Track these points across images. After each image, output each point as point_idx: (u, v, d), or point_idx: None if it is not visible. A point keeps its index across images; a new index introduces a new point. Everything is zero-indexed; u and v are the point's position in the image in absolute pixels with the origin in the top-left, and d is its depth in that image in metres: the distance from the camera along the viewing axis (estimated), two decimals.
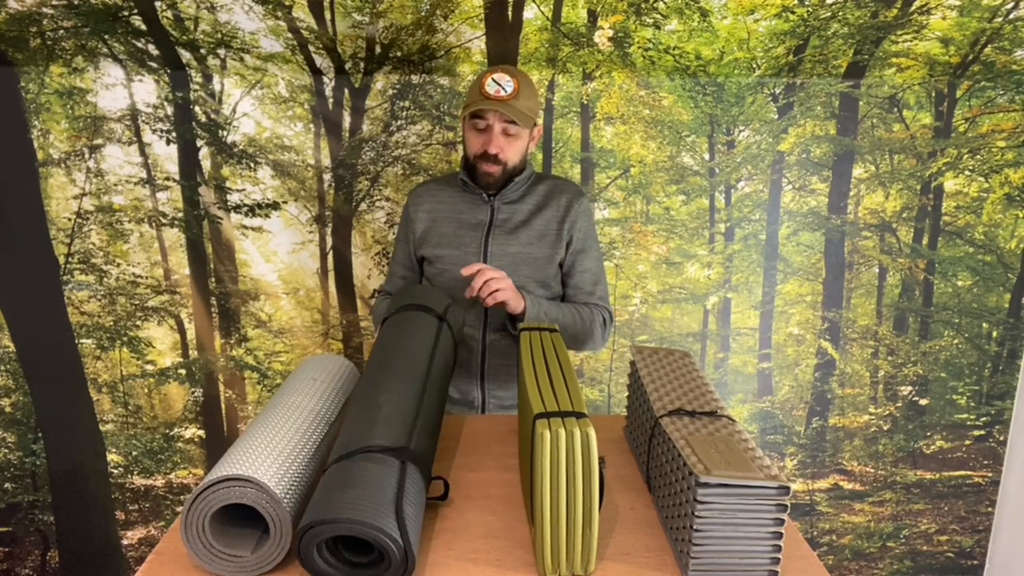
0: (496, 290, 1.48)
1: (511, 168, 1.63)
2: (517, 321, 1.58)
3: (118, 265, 2.24)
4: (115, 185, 2.18)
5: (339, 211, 2.24)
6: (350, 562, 0.90)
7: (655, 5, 2.09)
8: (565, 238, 1.67)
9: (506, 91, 1.54)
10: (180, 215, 2.21)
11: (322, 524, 0.86)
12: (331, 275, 2.29)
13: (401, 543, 0.86)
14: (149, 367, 2.32)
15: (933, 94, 2.20)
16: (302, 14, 2.05)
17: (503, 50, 2.11)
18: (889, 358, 2.41)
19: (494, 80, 1.55)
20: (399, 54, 2.11)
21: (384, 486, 0.90)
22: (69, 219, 2.20)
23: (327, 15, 2.06)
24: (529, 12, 2.08)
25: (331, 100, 2.16)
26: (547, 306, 1.61)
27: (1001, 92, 2.19)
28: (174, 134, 2.15)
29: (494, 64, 2.11)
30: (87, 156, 2.16)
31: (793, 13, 2.10)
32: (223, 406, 2.36)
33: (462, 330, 1.40)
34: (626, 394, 1.37)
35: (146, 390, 2.34)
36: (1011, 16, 2.11)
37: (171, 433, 2.36)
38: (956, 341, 2.40)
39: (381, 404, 1.05)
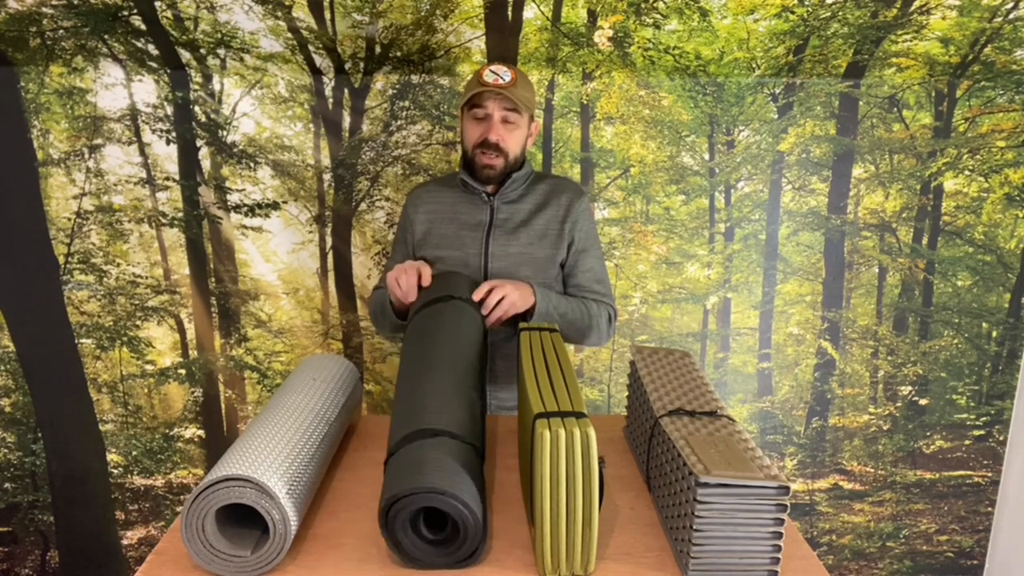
0: (504, 310, 1.47)
1: (511, 160, 1.63)
2: (527, 317, 1.55)
3: (118, 265, 2.24)
4: (115, 185, 2.18)
5: (339, 211, 2.24)
6: (427, 539, 0.95)
7: (655, 5, 2.09)
8: (567, 239, 1.66)
9: (504, 80, 1.57)
10: (180, 215, 2.21)
11: (410, 495, 0.90)
12: (331, 275, 2.29)
13: (479, 515, 0.92)
14: (149, 367, 2.32)
15: (933, 94, 2.20)
16: (302, 14, 2.05)
17: (503, 50, 2.11)
18: (889, 358, 2.41)
19: (492, 71, 1.59)
20: (399, 54, 2.11)
21: (461, 465, 0.96)
22: (69, 219, 2.20)
23: (327, 15, 2.06)
24: (529, 12, 2.08)
25: (331, 100, 2.16)
26: (555, 300, 1.59)
27: (1001, 92, 2.19)
28: (174, 134, 2.15)
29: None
30: (87, 156, 2.16)
31: (793, 13, 2.10)
32: (223, 406, 2.36)
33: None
34: (626, 394, 1.37)
35: (146, 390, 2.34)
36: (1011, 16, 2.11)
37: (171, 433, 2.36)
38: (956, 341, 2.40)
39: (445, 392, 1.11)
